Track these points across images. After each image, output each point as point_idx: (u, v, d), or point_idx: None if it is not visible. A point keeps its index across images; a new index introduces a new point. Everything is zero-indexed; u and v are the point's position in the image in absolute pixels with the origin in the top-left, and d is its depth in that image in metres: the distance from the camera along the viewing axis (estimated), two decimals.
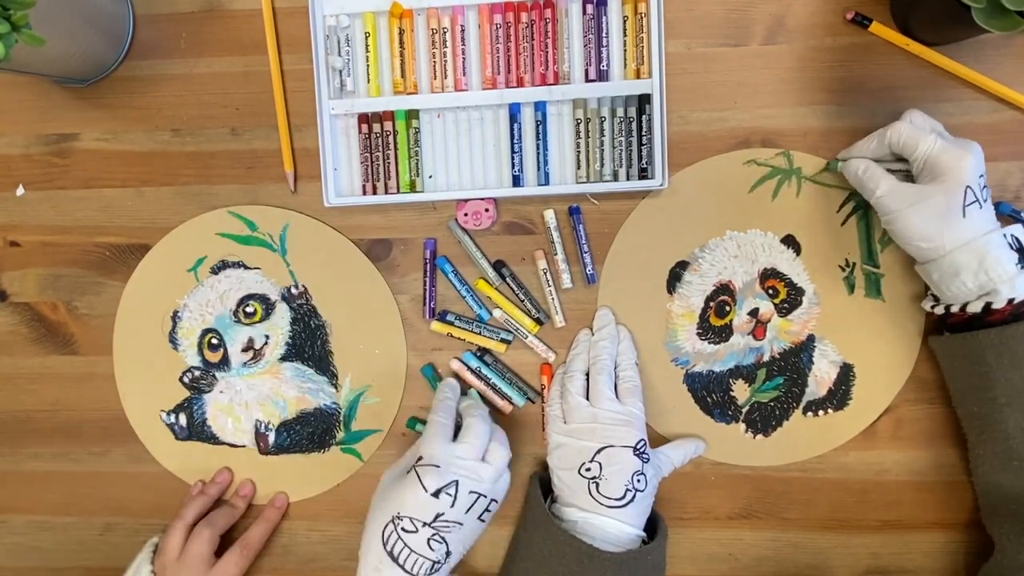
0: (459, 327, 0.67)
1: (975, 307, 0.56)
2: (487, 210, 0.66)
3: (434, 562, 0.56)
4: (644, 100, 0.64)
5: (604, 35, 0.64)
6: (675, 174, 0.66)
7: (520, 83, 0.65)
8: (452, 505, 0.57)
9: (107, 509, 0.73)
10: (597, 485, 0.59)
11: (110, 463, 0.72)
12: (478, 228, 0.67)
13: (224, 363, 0.70)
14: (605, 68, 0.64)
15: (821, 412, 0.66)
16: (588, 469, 0.59)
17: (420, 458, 0.58)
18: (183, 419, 0.71)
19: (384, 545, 0.56)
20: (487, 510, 0.60)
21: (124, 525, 0.73)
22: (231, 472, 0.71)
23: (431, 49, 0.65)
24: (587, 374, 0.64)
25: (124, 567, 0.66)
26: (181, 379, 0.71)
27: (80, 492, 0.73)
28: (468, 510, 0.58)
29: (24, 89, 0.70)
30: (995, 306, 0.55)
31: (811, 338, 0.66)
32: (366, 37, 0.66)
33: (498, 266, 0.67)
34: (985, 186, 0.56)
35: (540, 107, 0.65)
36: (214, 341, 0.70)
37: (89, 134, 0.70)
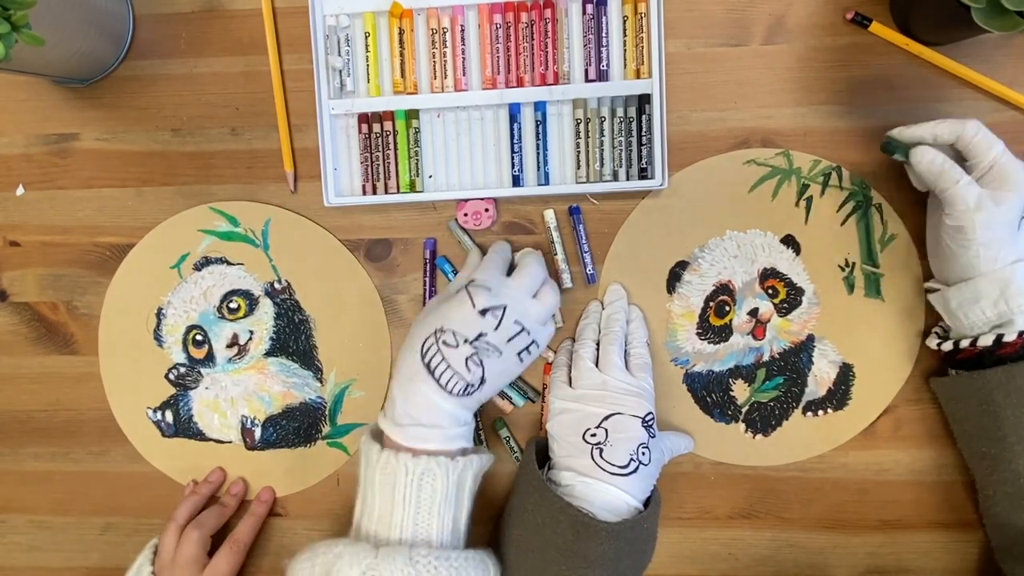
0: None
1: (986, 340, 0.56)
2: (487, 210, 0.66)
3: (468, 384, 0.55)
4: (644, 100, 0.64)
5: (604, 35, 0.64)
6: (675, 174, 0.66)
7: (520, 83, 0.65)
8: (496, 328, 0.56)
9: (106, 509, 0.73)
10: (601, 451, 0.57)
11: (109, 463, 0.72)
12: (478, 228, 0.67)
13: (209, 359, 0.70)
14: (605, 68, 0.64)
15: (821, 412, 0.66)
16: (593, 435, 0.58)
17: (472, 280, 0.58)
18: (169, 416, 0.71)
19: (422, 357, 0.55)
20: (527, 350, 0.59)
21: (124, 525, 0.73)
22: (223, 471, 0.70)
23: (431, 49, 0.65)
24: (598, 343, 0.64)
25: (124, 567, 0.66)
26: (167, 376, 0.70)
27: (79, 492, 0.73)
28: (510, 340, 0.57)
29: (24, 89, 0.70)
30: (1007, 338, 0.55)
31: (811, 338, 0.66)
32: (366, 37, 0.66)
33: None
34: None
35: (540, 107, 0.65)
36: (199, 337, 0.70)
37: (89, 134, 0.70)
